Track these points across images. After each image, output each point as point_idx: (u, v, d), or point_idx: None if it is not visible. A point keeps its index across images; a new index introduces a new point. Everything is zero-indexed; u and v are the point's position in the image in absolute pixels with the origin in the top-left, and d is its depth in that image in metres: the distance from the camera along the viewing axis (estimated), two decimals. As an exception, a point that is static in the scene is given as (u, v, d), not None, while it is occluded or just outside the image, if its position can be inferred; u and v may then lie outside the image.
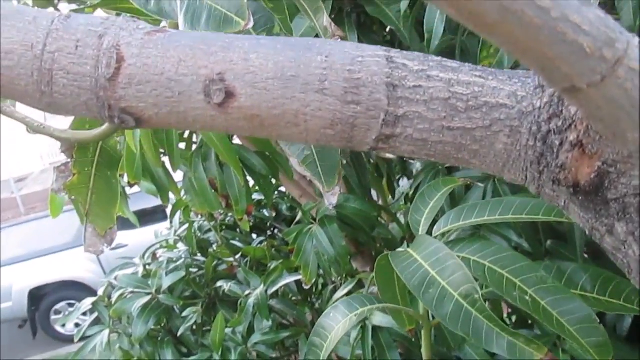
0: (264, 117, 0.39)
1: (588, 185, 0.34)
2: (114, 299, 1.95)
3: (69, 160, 0.82)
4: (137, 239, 4.04)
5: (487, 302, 1.08)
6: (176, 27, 0.63)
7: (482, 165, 0.39)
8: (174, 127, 0.42)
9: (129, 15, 0.77)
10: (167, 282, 1.90)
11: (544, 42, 0.25)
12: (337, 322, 0.95)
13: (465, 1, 0.24)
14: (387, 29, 1.52)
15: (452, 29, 1.30)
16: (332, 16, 1.39)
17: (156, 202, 1.79)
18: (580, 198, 0.35)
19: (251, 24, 0.57)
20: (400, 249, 0.87)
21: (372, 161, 1.74)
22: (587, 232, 0.37)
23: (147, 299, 1.87)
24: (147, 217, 4.08)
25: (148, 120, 0.41)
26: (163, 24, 0.76)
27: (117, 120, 0.41)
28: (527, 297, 0.77)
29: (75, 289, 5.03)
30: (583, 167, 0.34)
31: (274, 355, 1.82)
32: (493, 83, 0.37)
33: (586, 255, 1.18)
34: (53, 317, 5.11)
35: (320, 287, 2.02)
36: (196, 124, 0.41)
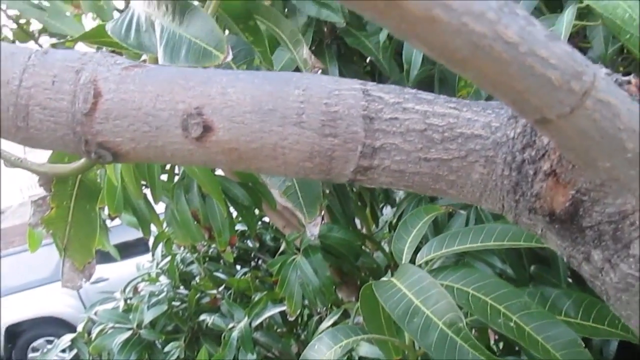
0: (242, 150, 0.39)
1: (563, 214, 0.35)
2: (93, 335, 1.91)
3: (46, 193, 0.81)
4: (118, 273, 3.97)
5: (473, 330, 1.08)
6: (156, 60, 0.63)
7: (459, 195, 0.40)
8: (152, 161, 0.42)
9: (109, 49, 0.78)
10: (148, 316, 1.86)
11: (513, 76, 0.26)
12: (322, 354, 0.94)
13: (436, 38, 0.25)
14: (367, 60, 1.54)
15: (430, 59, 1.32)
16: (313, 48, 1.41)
17: (137, 234, 1.77)
18: (557, 226, 0.36)
19: (230, 57, 0.57)
20: (383, 278, 0.87)
21: (355, 190, 1.75)
22: (565, 260, 0.38)
23: (128, 334, 1.84)
24: (129, 249, 4.02)
25: (125, 155, 0.41)
26: (143, 57, 0.76)
27: (94, 155, 0.41)
28: (512, 324, 0.77)
29: (53, 325, 4.90)
30: (558, 195, 0.35)
31: (259, 389, 1.78)
32: (467, 114, 0.38)
33: (570, 280, 1.19)
34: (31, 354, 4.96)
35: (305, 318, 2.00)
36: (174, 158, 0.41)
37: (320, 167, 0.39)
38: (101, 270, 4.40)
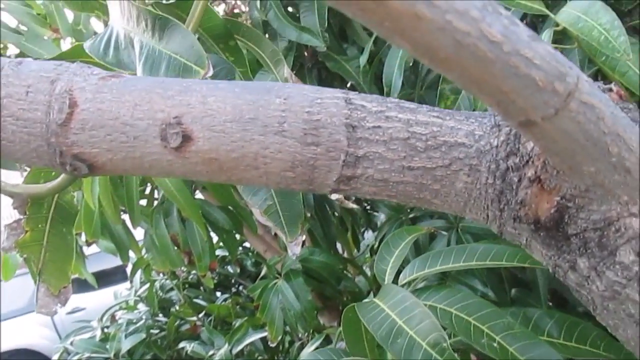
0: (222, 160, 0.38)
1: (548, 221, 0.34)
2: (69, 365, 1.85)
3: (21, 217, 0.79)
4: (95, 302, 3.88)
5: (456, 353, 1.07)
6: (135, 77, 0.63)
7: (443, 204, 0.39)
8: (130, 173, 0.40)
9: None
10: (126, 345, 1.82)
11: (497, 76, 0.26)
12: (304, 378, 0.92)
13: (420, 36, 0.24)
14: (348, 84, 1.56)
15: (410, 83, 1.34)
16: (294, 72, 1.41)
17: (115, 262, 1.74)
18: (542, 234, 0.35)
19: (210, 72, 0.57)
20: (366, 300, 0.86)
21: (336, 214, 1.74)
22: (550, 270, 0.37)
23: (105, 363, 1.78)
24: (106, 278, 3.94)
25: (102, 167, 0.40)
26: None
27: (69, 168, 0.39)
28: (495, 344, 0.76)
29: (28, 357, 4.74)
30: (542, 202, 0.34)
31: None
32: (450, 123, 0.38)
33: (550, 304, 1.19)
34: (4, 389, 4.79)
35: (287, 344, 1.96)
36: (152, 170, 0.40)
37: (302, 177, 0.39)
38: (78, 299, 4.30)
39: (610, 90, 0.34)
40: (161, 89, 0.39)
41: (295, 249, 0.72)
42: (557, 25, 0.81)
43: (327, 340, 1.49)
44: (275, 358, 1.96)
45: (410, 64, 1.28)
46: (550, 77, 0.26)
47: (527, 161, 0.34)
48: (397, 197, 0.39)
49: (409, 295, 0.80)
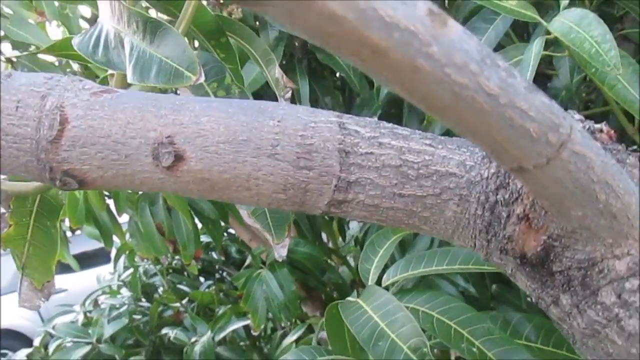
0: (214, 180, 0.38)
1: (534, 258, 0.35)
2: (51, 350, 1.84)
3: (5, 211, 0.78)
4: (77, 283, 3.86)
5: (435, 350, 1.09)
6: (124, 78, 0.62)
7: (432, 231, 0.40)
8: (120, 188, 0.40)
9: (75, 62, 0.75)
10: (109, 330, 1.81)
11: (493, 126, 0.26)
12: (287, 374, 0.93)
13: (418, 87, 0.25)
14: (338, 75, 1.55)
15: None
16: (284, 62, 1.40)
17: (98, 244, 1.72)
18: (527, 269, 0.36)
19: (202, 79, 0.56)
20: (350, 299, 0.87)
21: (322, 205, 1.75)
22: (533, 300, 0.38)
23: (87, 349, 1.78)
24: (89, 260, 3.91)
25: (92, 183, 0.40)
26: (109, 72, 0.74)
27: (58, 183, 0.39)
28: (475, 349, 0.77)
29: (9, 338, 4.69)
30: (529, 239, 0.35)
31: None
32: (443, 152, 0.38)
33: (529, 299, 1.21)
34: (-17, 369, 4.76)
35: (269, 331, 1.98)
36: (143, 186, 0.40)
37: (293, 200, 0.39)
38: (60, 280, 4.26)
39: (601, 130, 0.35)
40: (154, 107, 0.39)
41: (281, 252, 0.72)
42: (549, 33, 0.82)
43: (309, 329, 1.50)
44: (257, 344, 1.98)
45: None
46: (544, 128, 0.26)
47: (517, 198, 0.35)
48: (387, 221, 0.39)
49: (392, 298, 0.81)
